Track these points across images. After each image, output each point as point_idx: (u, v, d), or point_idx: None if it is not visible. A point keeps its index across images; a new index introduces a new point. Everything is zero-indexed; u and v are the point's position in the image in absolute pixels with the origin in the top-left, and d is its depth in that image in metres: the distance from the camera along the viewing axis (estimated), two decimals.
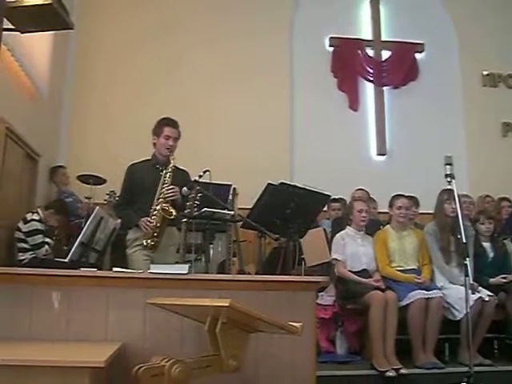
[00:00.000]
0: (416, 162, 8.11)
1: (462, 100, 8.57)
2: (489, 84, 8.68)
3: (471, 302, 4.49)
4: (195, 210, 4.25)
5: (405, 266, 5.13)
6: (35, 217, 5.58)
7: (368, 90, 8.59)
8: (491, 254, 5.51)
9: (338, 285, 5.21)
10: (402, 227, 5.30)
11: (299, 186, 4.66)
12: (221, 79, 8.01)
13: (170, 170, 4.40)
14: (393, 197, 5.37)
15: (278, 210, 4.56)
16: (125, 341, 3.27)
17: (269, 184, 4.62)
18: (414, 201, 6.06)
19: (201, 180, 4.37)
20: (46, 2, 3.68)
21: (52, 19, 3.86)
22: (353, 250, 5.18)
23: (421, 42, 8.70)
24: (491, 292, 4.94)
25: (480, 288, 4.92)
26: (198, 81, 7.93)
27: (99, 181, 6.76)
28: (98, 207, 5.66)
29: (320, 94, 8.29)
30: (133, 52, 7.95)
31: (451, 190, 4.53)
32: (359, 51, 8.63)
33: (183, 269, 3.49)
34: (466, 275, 4.24)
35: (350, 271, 5.10)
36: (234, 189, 6.13)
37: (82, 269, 3.69)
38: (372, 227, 5.48)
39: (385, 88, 8.56)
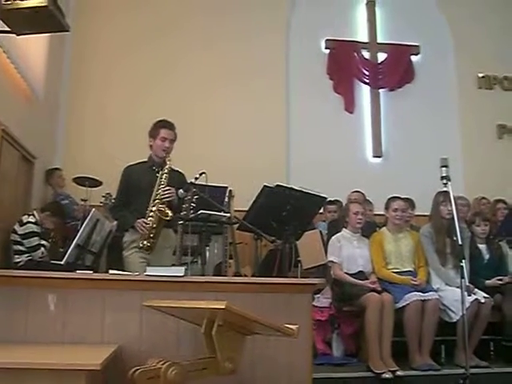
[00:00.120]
0: (412, 164, 8.12)
1: (457, 102, 8.59)
2: (484, 86, 8.69)
3: (467, 304, 4.49)
4: (191, 212, 4.25)
5: (401, 268, 5.13)
6: (31, 219, 5.57)
7: (364, 92, 8.60)
8: (487, 256, 5.52)
9: (334, 287, 5.21)
10: (398, 229, 5.31)
11: (295, 188, 4.67)
12: (217, 81, 8.01)
13: (166, 171, 4.41)
14: (389, 199, 5.38)
15: (274, 212, 4.56)
16: (121, 343, 3.27)
17: (265, 186, 4.63)
18: (409, 203, 6.07)
19: (197, 182, 4.37)
20: (42, 5, 3.67)
21: (48, 21, 3.86)
22: (349, 252, 5.19)
23: (416, 44, 8.71)
24: (487, 294, 4.95)
25: (476, 290, 4.93)
26: (194, 82, 7.93)
27: (95, 183, 6.75)
28: (94, 209, 5.65)
29: (316, 96, 8.30)
30: (129, 54, 7.95)
31: (447, 192, 4.54)
32: (355, 53, 8.63)
33: (179, 271, 3.49)
34: (462, 277, 4.24)
35: (346, 273, 5.10)
36: (230, 191, 6.13)
37: (78, 271, 3.69)
38: (368, 229, 5.49)
39: (381, 90, 8.57)
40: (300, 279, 4.80)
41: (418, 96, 8.51)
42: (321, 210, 5.89)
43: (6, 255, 5.54)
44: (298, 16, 8.54)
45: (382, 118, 8.42)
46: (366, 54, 8.70)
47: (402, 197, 5.45)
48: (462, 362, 4.45)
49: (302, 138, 8.08)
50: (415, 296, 4.78)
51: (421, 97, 8.50)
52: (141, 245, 4.30)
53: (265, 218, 4.54)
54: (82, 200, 6.69)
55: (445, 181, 4.42)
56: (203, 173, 4.37)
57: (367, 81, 8.57)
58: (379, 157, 8.34)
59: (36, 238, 5.53)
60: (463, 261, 4.28)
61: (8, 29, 3.89)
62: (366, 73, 8.59)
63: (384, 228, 5.39)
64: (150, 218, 4.29)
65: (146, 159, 4.62)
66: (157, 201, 4.31)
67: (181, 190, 4.28)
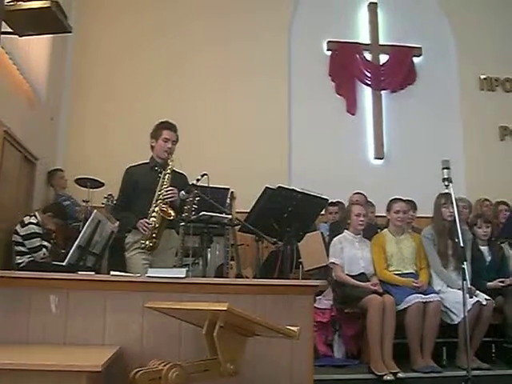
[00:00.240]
0: (414, 165, 8.12)
1: (459, 104, 8.58)
2: (486, 88, 8.69)
3: (469, 306, 4.49)
4: (193, 213, 4.26)
5: (402, 270, 5.12)
6: (33, 220, 5.57)
7: (366, 93, 8.59)
8: (489, 258, 5.51)
9: (335, 289, 5.21)
10: (400, 231, 5.30)
11: (297, 189, 4.67)
12: (218, 83, 8.01)
13: (169, 171, 4.41)
14: (390, 201, 5.38)
15: (275, 214, 4.56)
16: (122, 345, 3.26)
17: (266, 188, 4.63)
18: (411, 205, 6.08)
19: (198, 184, 4.37)
20: (45, 6, 3.68)
21: (50, 23, 3.87)
22: (350, 254, 5.18)
23: (418, 45, 8.70)
24: (489, 296, 4.94)
25: (477, 292, 4.91)
26: (195, 84, 7.93)
27: (97, 184, 6.76)
28: (95, 210, 5.65)
29: (318, 97, 8.29)
30: (131, 55, 7.95)
31: (448, 194, 4.54)
32: (357, 55, 8.63)
33: (181, 273, 3.48)
34: (464, 279, 4.24)
35: (347, 275, 5.10)
36: (232, 192, 6.14)
37: (80, 272, 3.68)
38: (369, 231, 5.49)
39: (383, 92, 8.56)
40: (301, 281, 4.80)
41: (420, 98, 8.51)
42: (322, 212, 5.91)
43: (7, 256, 5.54)
44: (300, 18, 8.54)
45: (384, 120, 8.42)
46: (368, 56, 8.69)
47: (404, 198, 5.45)
48: (464, 364, 4.46)
49: (304, 139, 8.08)
50: (417, 298, 4.77)
51: (423, 98, 8.50)
52: (143, 245, 4.30)
53: (266, 219, 4.54)
54: (84, 201, 6.70)
55: (446, 183, 4.41)
56: (205, 174, 4.38)
57: (369, 82, 8.56)
58: (381, 158, 8.33)
59: (38, 239, 5.53)
60: (465, 263, 4.28)
61: (10, 30, 3.89)
62: (368, 74, 8.58)
63: (386, 230, 5.39)
64: (152, 219, 4.29)
65: (147, 160, 4.62)
66: (159, 201, 4.31)
67: (182, 192, 4.29)
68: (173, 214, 4.27)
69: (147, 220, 4.29)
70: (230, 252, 5.97)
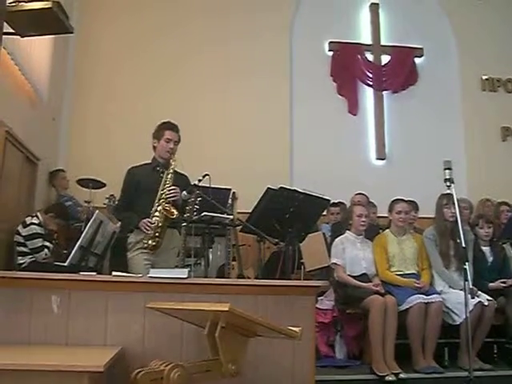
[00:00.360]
0: (415, 166, 8.11)
1: (461, 104, 8.57)
2: (488, 88, 8.67)
3: (471, 307, 4.49)
4: (195, 214, 4.26)
5: (404, 271, 5.12)
6: (35, 220, 5.58)
7: (367, 94, 8.58)
8: (490, 259, 5.51)
9: (337, 289, 5.21)
10: (402, 232, 5.30)
11: (299, 190, 4.67)
12: (220, 83, 8.00)
13: (171, 170, 4.41)
14: (392, 201, 5.37)
15: (277, 215, 4.56)
16: (124, 345, 3.26)
17: (268, 188, 4.63)
18: (413, 205, 6.08)
19: (200, 184, 4.38)
20: (46, 6, 3.68)
21: (52, 23, 3.87)
22: (352, 255, 5.18)
23: (420, 46, 8.69)
24: (490, 296, 4.94)
25: (479, 292, 4.91)
26: (197, 84, 7.92)
27: (99, 185, 6.75)
28: (97, 211, 5.66)
29: (319, 98, 8.29)
30: (132, 55, 7.95)
31: (450, 195, 4.54)
32: (359, 56, 8.62)
33: (183, 273, 3.48)
34: (466, 280, 4.24)
35: (349, 276, 5.10)
36: (234, 193, 6.14)
37: (82, 273, 3.69)
38: (371, 232, 5.48)
39: (384, 92, 8.55)
40: (303, 281, 4.79)
41: (422, 98, 8.50)
42: (324, 213, 5.91)
43: (9, 256, 5.55)
44: (301, 18, 8.53)
45: (386, 120, 8.41)
46: (370, 57, 8.68)
47: (406, 199, 5.45)
48: (466, 364, 4.46)
49: (306, 140, 8.07)
50: (418, 298, 4.77)
51: (424, 99, 8.49)
52: (146, 244, 4.29)
53: (268, 220, 4.54)
54: (86, 202, 6.69)
55: (448, 183, 4.41)
56: (207, 175, 4.38)
57: (371, 83, 8.56)
58: (383, 159, 8.32)
59: (39, 239, 5.53)
60: (467, 263, 4.29)
61: (12, 30, 3.89)
62: (370, 75, 8.58)
63: (387, 230, 5.39)
64: (155, 218, 4.29)
65: (149, 161, 4.62)
66: (162, 200, 4.31)
67: (184, 192, 4.29)
68: (175, 212, 4.27)
69: (149, 219, 4.29)
70: (231, 252, 5.98)
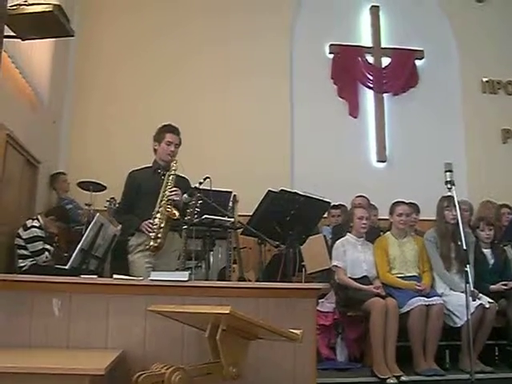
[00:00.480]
0: (416, 168, 8.11)
1: (461, 107, 8.57)
2: (488, 91, 8.67)
3: (472, 309, 4.49)
4: (195, 216, 4.25)
5: (405, 273, 5.12)
6: (35, 223, 5.57)
7: (368, 96, 8.59)
8: (491, 261, 5.50)
9: (338, 292, 5.20)
10: (403, 234, 5.30)
11: (299, 193, 4.67)
12: (220, 84, 8.00)
13: (173, 172, 4.41)
14: (393, 203, 5.37)
15: (278, 217, 4.56)
16: (125, 348, 3.27)
17: (269, 191, 4.63)
18: (414, 207, 6.07)
19: (201, 187, 4.37)
20: (47, 10, 3.70)
21: (53, 26, 3.88)
22: (353, 257, 5.18)
23: (420, 48, 8.70)
24: (492, 299, 4.93)
25: (480, 295, 4.91)
26: (197, 86, 7.92)
27: (99, 187, 6.75)
28: (98, 214, 5.67)
29: (320, 100, 8.30)
30: (133, 56, 7.96)
31: (451, 197, 4.53)
32: (359, 58, 8.63)
33: (183, 276, 3.49)
34: (467, 282, 4.23)
35: (350, 278, 5.09)
36: (235, 196, 6.13)
37: (83, 276, 3.68)
38: (372, 234, 5.48)
39: (385, 95, 8.56)
40: (304, 284, 4.79)
41: (422, 100, 8.50)
42: (325, 215, 5.91)
43: (10, 259, 5.54)
44: (302, 20, 8.54)
45: (386, 123, 8.41)
46: (370, 59, 8.69)
47: (407, 201, 5.45)
48: (467, 367, 4.45)
49: (307, 142, 8.08)
50: (419, 301, 4.77)
51: (425, 101, 8.49)
52: (147, 246, 4.28)
53: (269, 222, 4.54)
54: (86, 204, 6.69)
55: (449, 185, 4.41)
56: (207, 177, 4.38)
57: (371, 85, 8.56)
58: (383, 161, 8.32)
59: (40, 242, 5.52)
60: (468, 266, 4.27)
61: (13, 34, 3.90)
62: (370, 77, 8.58)
63: (388, 233, 5.38)
64: (156, 219, 4.29)
65: (150, 164, 4.62)
66: (163, 201, 4.31)
67: (185, 195, 4.29)
68: (177, 214, 4.27)
69: (151, 221, 4.28)
70: (232, 255, 5.97)
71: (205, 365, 2.86)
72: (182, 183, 4.47)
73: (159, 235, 4.25)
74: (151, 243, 4.25)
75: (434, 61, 8.71)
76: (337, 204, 6.55)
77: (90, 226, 5.35)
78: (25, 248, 5.47)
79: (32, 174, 6.36)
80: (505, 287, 5.24)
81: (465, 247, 4.32)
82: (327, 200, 4.85)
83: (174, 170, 4.43)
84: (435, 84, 8.60)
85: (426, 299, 4.80)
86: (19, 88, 5.86)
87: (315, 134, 8.12)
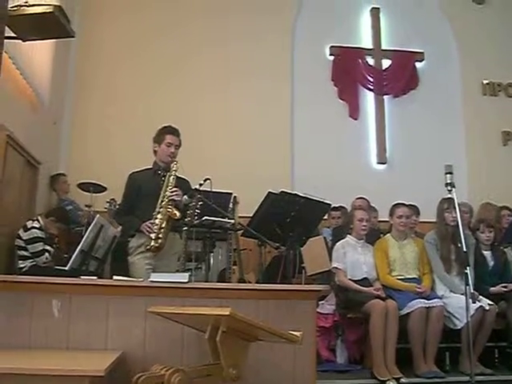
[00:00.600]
0: (416, 170, 8.10)
1: (462, 109, 8.57)
2: (489, 93, 8.67)
3: (472, 311, 4.49)
4: (196, 218, 4.25)
5: (405, 275, 5.12)
6: (35, 224, 5.57)
7: (368, 98, 8.59)
8: (491, 263, 5.50)
9: (338, 293, 5.20)
10: (403, 236, 5.30)
11: (300, 194, 4.68)
12: (221, 86, 8.01)
13: (173, 173, 4.41)
14: (393, 205, 5.37)
15: (278, 219, 4.57)
16: (125, 349, 3.26)
17: (269, 193, 4.64)
18: (414, 209, 6.07)
19: (201, 188, 4.37)
20: (48, 11, 3.71)
21: (53, 27, 3.90)
22: (353, 259, 5.18)
23: (421, 50, 8.69)
24: (492, 301, 4.93)
25: (480, 297, 4.91)
26: (198, 87, 7.92)
27: (99, 189, 6.75)
28: (98, 215, 5.67)
29: (320, 102, 8.29)
30: (133, 57, 7.96)
31: (451, 199, 4.52)
32: (359, 60, 8.63)
33: (183, 277, 3.48)
34: (467, 284, 4.23)
35: (350, 280, 5.09)
36: (235, 197, 6.13)
37: (83, 277, 3.69)
38: (372, 236, 5.48)
39: (385, 97, 8.55)
40: (304, 286, 4.80)
41: (423, 102, 8.50)
42: (325, 217, 5.91)
43: (10, 260, 5.54)
44: (302, 22, 8.54)
45: (387, 125, 8.41)
46: (371, 61, 8.68)
47: (407, 203, 5.45)
48: (467, 369, 4.45)
49: (307, 144, 8.08)
50: (420, 303, 4.76)
51: (425, 103, 8.49)
52: (148, 246, 4.28)
53: (269, 224, 4.55)
54: (87, 206, 6.69)
55: (449, 187, 4.40)
56: (208, 179, 4.38)
57: (372, 87, 8.56)
58: (384, 163, 8.32)
59: (40, 243, 5.52)
60: (468, 268, 4.27)
61: (14, 35, 3.91)
62: (371, 79, 8.58)
63: (388, 235, 5.38)
64: (157, 220, 4.28)
65: (150, 166, 4.62)
66: (164, 202, 4.30)
67: (185, 197, 4.29)
68: (178, 214, 4.26)
69: (151, 221, 4.28)
70: (232, 257, 5.97)
71: (205, 366, 2.86)
72: (182, 184, 4.47)
73: (160, 235, 4.25)
74: (152, 243, 4.24)
75: (434, 63, 8.71)
76: (337, 206, 6.54)
77: (90, 228, 5.35)
78: (25, 249, 5.47)
79: (32, 174, 6.36)
80: (505, 289, 5.23)
81: (465, 249, 4.31)
82: (327, 202, 4.86)
83: (175, 171, 4.42)
84: (435, 86, 8.60)
85: (426, 301, 4.80)
86: (20, 89, 5.87)
87: (315, 136, 8.12)
